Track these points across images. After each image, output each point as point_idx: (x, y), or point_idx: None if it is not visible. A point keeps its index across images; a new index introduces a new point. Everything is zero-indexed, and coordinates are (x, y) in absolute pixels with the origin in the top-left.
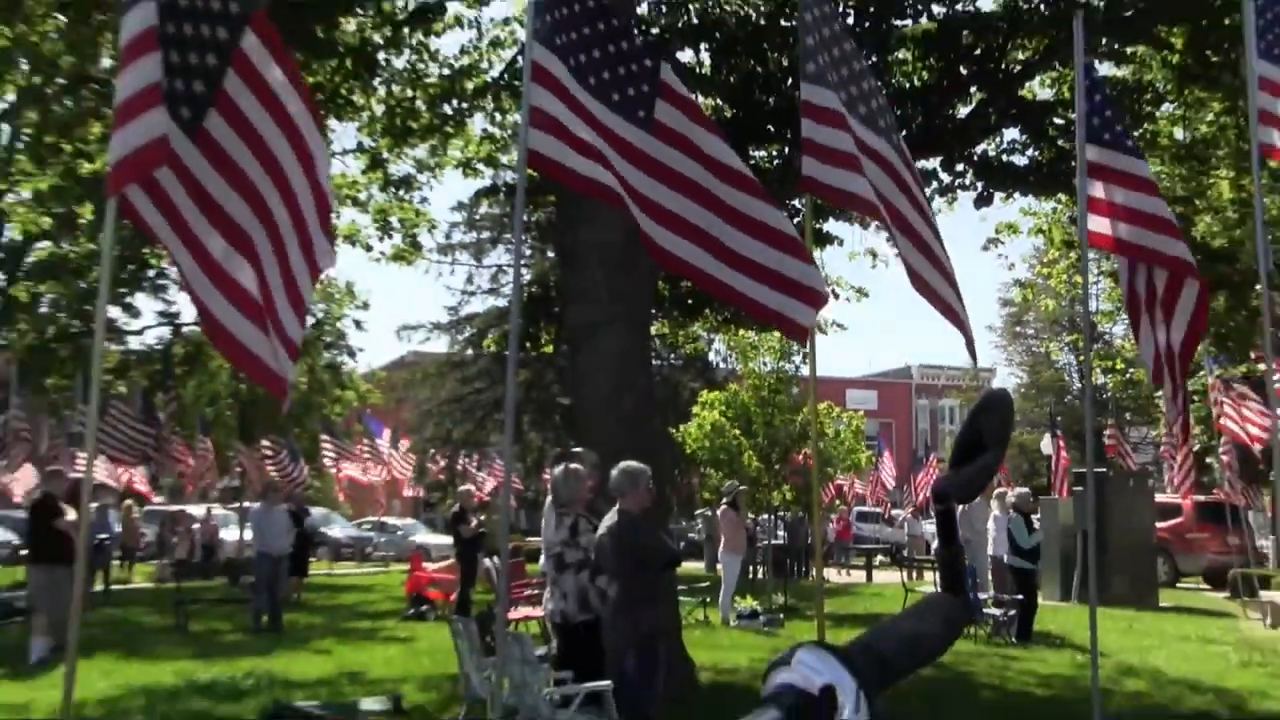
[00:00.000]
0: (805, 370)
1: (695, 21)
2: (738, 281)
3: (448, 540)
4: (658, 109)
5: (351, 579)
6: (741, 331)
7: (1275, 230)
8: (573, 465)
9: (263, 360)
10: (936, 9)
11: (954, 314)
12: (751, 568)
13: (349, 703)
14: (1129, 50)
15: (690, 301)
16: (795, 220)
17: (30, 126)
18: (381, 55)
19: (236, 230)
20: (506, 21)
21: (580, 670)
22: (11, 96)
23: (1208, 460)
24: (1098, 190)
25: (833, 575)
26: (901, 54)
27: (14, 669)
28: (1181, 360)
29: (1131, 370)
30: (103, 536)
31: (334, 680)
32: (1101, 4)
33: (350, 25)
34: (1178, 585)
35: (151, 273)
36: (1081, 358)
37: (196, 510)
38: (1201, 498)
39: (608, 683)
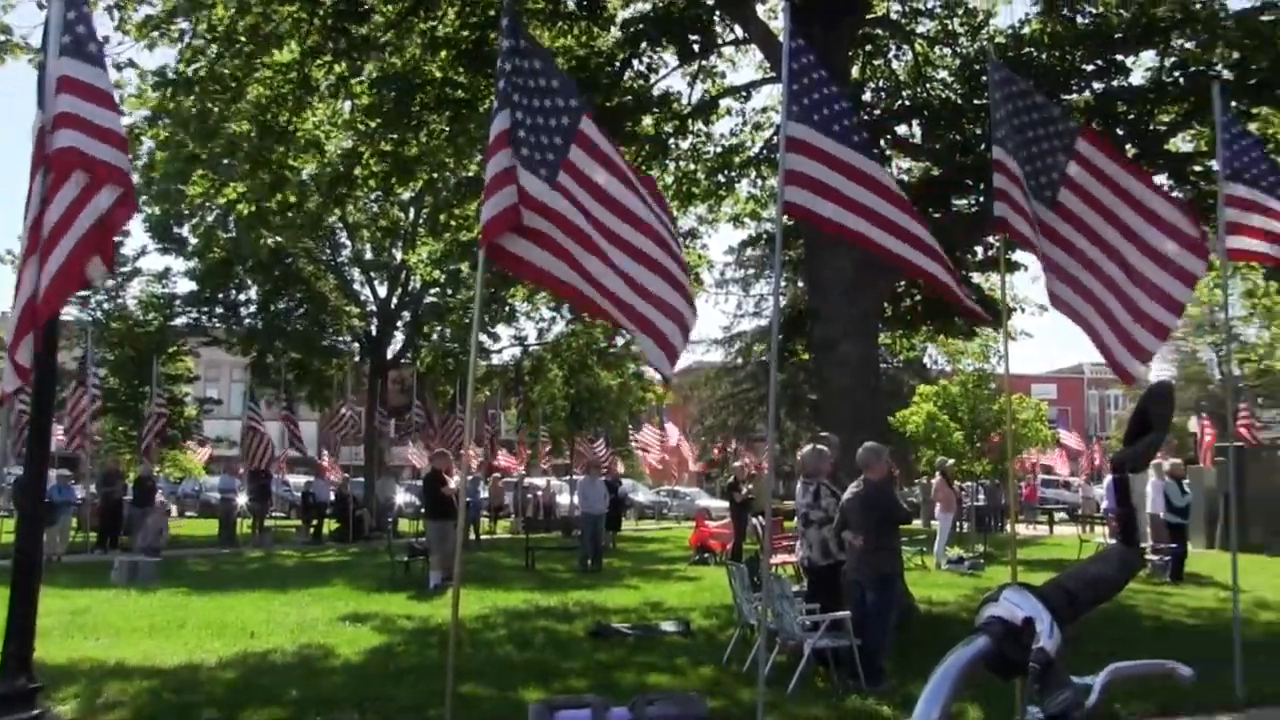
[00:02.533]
0: (1001, 369)
1: (908, 104)
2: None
3: (724, 504)
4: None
5: (651, 533)
6: (949, 340)
7: None
8: (818, 445)
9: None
10: (1096, 85)
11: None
12: (958, 523)
13: (652, 624)
14: (1254, 110)
15: (909, 317)
16: (991, 252)
17: (427, 208)
18: (671, 141)
19: (599, 250)
20: (764, 110)
21: (824, 603)
22: (416, 188)
23: None
24: (1238, 217)
25: (1022, 529)
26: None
27: (417, 592)
28: None
29: (1265, 362)
30: (469, 499)
31: (639, 608)
32: (1232, 75)
33: (648, 120)
34: None
35: (507, 308)
36: (1222, 353)
37: (539, 481)
38: None
39: (846, 612)
